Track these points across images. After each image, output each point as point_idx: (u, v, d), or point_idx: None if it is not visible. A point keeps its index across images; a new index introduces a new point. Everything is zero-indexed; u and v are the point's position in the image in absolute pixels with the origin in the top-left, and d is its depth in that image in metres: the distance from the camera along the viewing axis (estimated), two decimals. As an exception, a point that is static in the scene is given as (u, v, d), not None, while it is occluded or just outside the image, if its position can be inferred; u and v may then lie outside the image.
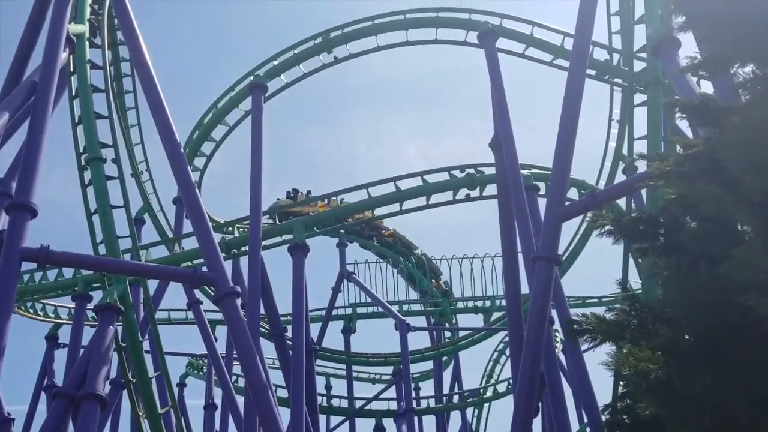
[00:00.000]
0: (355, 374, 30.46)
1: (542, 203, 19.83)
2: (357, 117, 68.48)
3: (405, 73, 67.14)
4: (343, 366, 30.01)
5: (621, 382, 8.22)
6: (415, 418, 25.50)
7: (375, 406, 28.11)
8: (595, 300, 28.64)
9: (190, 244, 21.57)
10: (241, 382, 26.28)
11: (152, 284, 21.63)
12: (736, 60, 7.00)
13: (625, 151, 20.51)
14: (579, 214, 19.27)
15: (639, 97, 19.62)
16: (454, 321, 30.80)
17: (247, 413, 16.94)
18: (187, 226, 23.43)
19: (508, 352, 31.80)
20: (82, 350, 17.81)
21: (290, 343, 20.13)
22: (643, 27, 19.39)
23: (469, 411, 30.47)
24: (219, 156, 28.77)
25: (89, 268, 18.20)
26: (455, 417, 29.78)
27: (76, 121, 18.55)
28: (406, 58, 70.94)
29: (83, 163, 18.23)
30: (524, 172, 19.01)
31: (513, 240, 18.03)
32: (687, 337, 6.91)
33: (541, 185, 20.55)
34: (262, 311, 19.78)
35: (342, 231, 29.84)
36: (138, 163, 24.88)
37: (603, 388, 18.19)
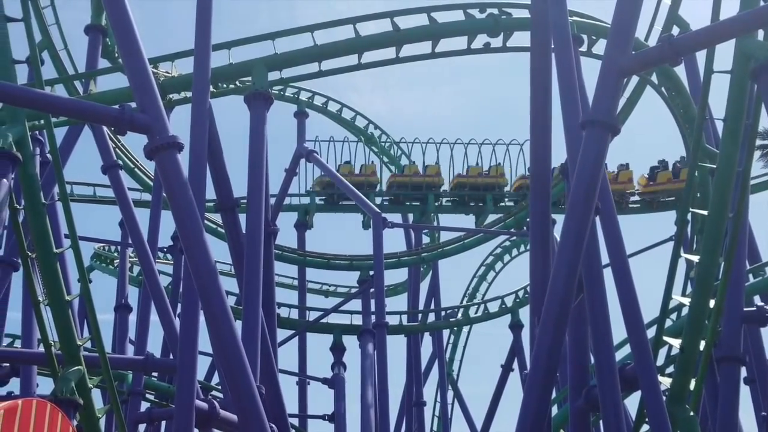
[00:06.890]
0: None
1: (586, 63, 16.92)
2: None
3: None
4: (294, 270, 26.92)
5: None
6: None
7: (333, 319, 25.11)
8: None
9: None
10: (164, 281, 22.65)
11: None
12: None
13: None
14: (648, 68, 16.24)
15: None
16: (435, 222, 27.66)
17: (185, 311, 13.85)
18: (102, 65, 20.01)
19: (497, 266, 29.26)
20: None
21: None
22: None
23: (446, 334, 27.86)
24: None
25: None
26: (427, 339, 27.17)
27: None
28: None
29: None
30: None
31: (547, 103, 15.15)
32: None
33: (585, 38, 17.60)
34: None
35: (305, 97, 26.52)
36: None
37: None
